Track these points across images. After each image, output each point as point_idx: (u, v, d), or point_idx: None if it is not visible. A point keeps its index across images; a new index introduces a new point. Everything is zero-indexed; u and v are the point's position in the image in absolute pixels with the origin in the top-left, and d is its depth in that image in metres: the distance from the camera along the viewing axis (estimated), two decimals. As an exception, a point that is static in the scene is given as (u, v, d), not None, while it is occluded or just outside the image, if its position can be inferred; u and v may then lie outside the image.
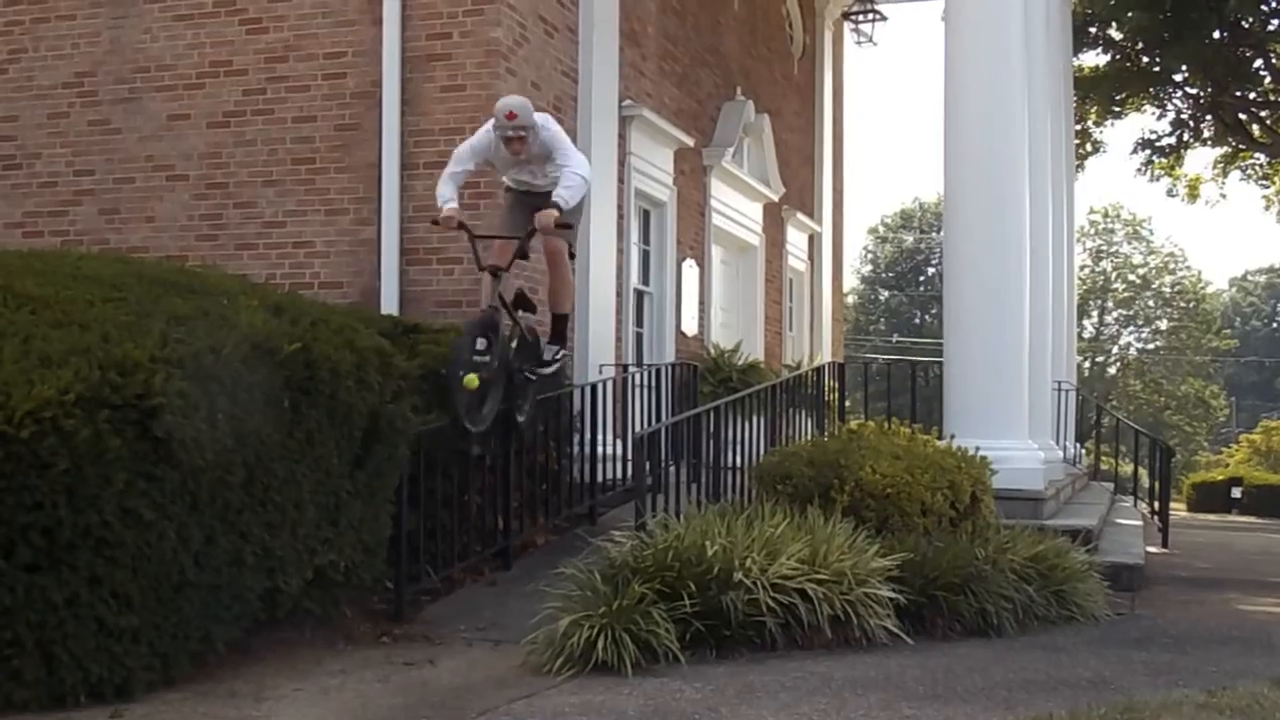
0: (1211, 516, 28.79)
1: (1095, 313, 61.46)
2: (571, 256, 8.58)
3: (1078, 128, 23.91)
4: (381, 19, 10.36)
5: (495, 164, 8.33)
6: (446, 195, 8.03)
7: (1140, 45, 25.05)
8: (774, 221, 17.36)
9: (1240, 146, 27.46)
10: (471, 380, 7.42)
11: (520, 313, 8.39)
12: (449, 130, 10.26)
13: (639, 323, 13.28)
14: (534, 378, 8.46)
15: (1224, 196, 29.75)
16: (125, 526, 5.37)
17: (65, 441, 5.20)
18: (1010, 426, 10.25)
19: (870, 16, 19.83)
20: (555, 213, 7.75)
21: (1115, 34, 25.26)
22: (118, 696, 5.44)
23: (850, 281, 54.04)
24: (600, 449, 9.83)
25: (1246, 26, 24.00)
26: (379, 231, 10.34)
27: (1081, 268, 54.37)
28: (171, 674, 5.69)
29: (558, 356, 8.76)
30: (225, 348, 5.89)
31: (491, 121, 8.06)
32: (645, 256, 13.50)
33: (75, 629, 5.31)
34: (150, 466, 5.47)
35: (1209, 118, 26.91)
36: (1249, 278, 78.27)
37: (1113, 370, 61.86)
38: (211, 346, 5.85)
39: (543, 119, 8.10)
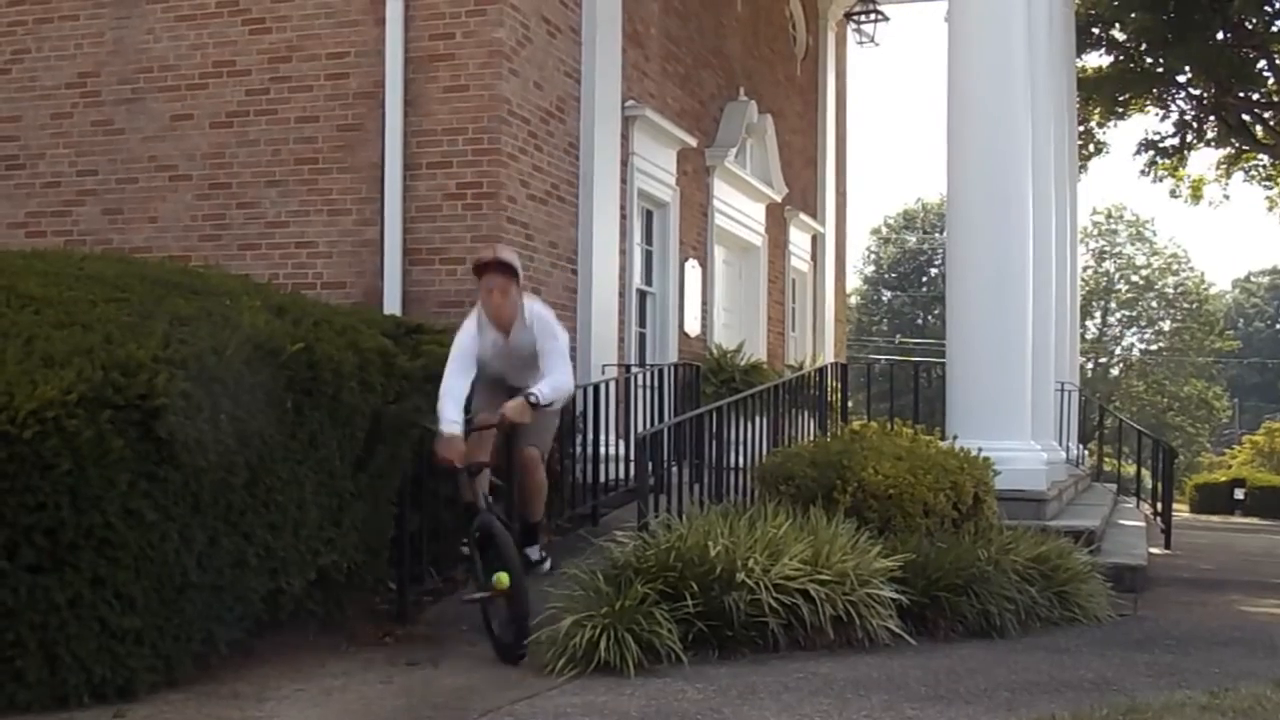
0: (1214, 518, 28.77)
1: (1098, 314, 61.48)
2: (544, 461, 7.39)
3: (1081, 128, 23.92)
4: (384, 19, 10.35)
5: (483, 353, 7.09)
6: (453, 416, 6.76)
7: (1143, 46, 25.05)
8: (777, 222, 17.36)
9: (1243, 148, 27.46)
10: (502, 579, 6.49)
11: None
12: (452, 130, 10.27)
13: (642, 323, 13.28)
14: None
15: (1227, 198, 29.78)
16: (128, 527, 5.38)
17: (68, 442, 5.20)
18: (1013, 427, 10.24)
19: (873, 17, 19.84)
20: (525, 402, 6.77)
21: (1118, 35, 25.27)
22: (120, 697, 5.44)
23: (853, 282, 54.06)
24: (603, 449, 9.82)
25: (1250, 27, 24.00)
26: (382, 232, 10.33)
27: (1084, 268, 54.37)
28: (174, 675, 5.69)
29: (544, 556, 7.46)
30: (228, 349, 5.90)
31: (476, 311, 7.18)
32: (648, 257, 13.50)
33: (78, 630, 5.31)
34: (153, 467, 5.47)
35: (1212, 119, 26.91)
36: (1252, 279, 78.23)
37: (1115, 371, 61.84)
38: (214, 347, 5.85)
39: (542, 310, 7.18)
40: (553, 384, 6.93)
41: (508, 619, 6.50)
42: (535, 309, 7.18)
